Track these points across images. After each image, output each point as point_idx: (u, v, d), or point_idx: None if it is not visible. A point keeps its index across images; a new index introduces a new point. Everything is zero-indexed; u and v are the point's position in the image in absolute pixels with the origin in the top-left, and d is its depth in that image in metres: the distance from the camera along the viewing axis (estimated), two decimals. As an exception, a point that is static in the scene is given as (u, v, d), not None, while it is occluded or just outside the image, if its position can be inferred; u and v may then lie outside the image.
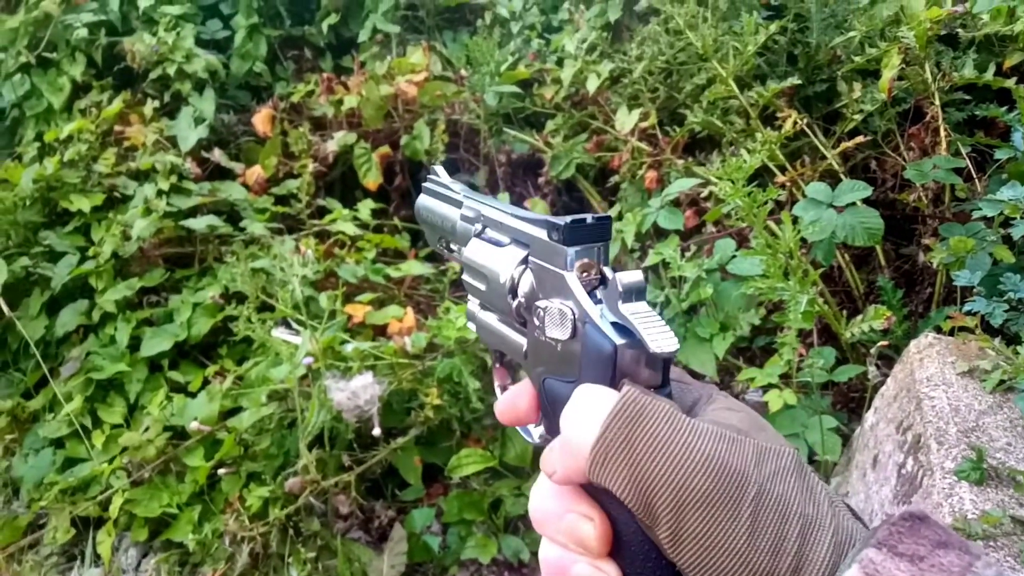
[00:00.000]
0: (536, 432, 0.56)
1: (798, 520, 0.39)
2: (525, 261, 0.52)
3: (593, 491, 0.45)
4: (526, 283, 0.52)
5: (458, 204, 0.61)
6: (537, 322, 0.50)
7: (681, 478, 0.39)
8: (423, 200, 0.67)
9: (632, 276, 0.46)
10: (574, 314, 0.47)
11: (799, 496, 0.40)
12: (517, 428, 0.57)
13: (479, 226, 0.58)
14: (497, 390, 0.59)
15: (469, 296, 0.60)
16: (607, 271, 0.48)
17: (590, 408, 0.43)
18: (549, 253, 0.49)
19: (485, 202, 0.58)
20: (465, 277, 0.58)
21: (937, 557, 0.36)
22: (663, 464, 0.39)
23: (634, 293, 0.45)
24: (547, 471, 0.47)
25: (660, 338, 0.43)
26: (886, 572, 0.36)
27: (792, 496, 0.40)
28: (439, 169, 0.67)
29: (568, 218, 0.48)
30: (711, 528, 0.39)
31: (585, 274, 0.48)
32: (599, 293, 0.47)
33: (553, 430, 0.50)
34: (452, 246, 0.62)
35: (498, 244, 0.55)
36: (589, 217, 0.48)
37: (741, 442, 0.41)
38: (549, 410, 0.50)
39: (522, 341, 0.53)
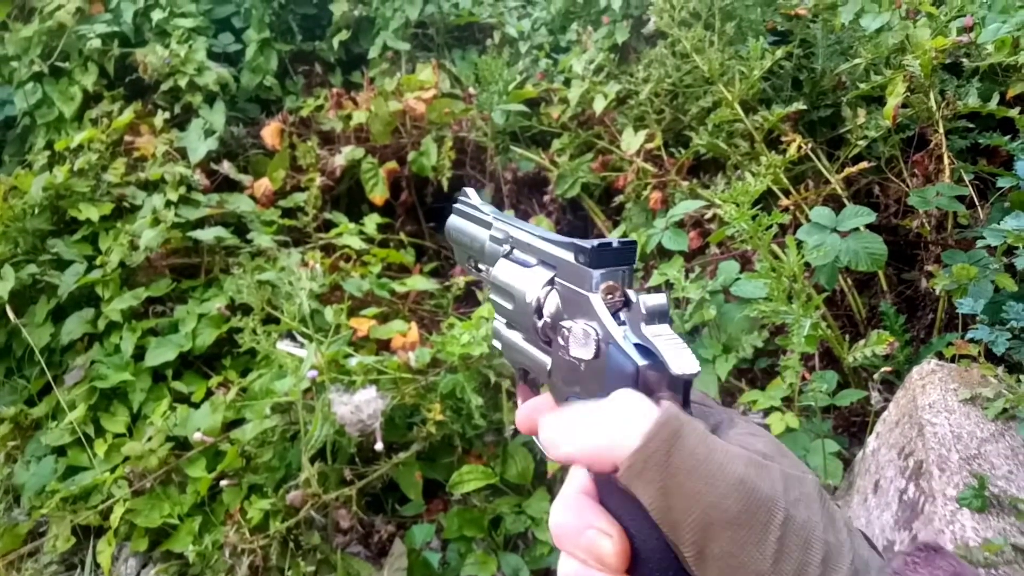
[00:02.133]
0: None
1: (821, 547, 0.40)
2: (551, 282, 0.53)
3: (611, 505, 0.46)
4: (552, 303, 0.53)
5: (487, 225, 0.63)
6: (562, 341, 0.51)
7: (712, 499, 0.40)
8: (453, 220, 0.68)
9: (656, 299, 0.47)
10: (598, 335, 0.48)
11: (822, 522, 0.41)
12: (541, 448, 0.58)
13: (507, 247, 0.59)
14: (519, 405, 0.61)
15: (495, 315, 0.61)
16: (631, 294, 0.49)
17: (631, 413, 0.44)
18: (575, 275, 0.51)
19: (514, 224, 0.60)
20: (492, 296, 0.60)
21: None
22: (696, 483, 0.40)
23: (657, 316, 0.47)
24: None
25: (681, 359, 0.44)
26: None
27: (816, 522, 0.41)
28: (470, 191, 0.68)
29: (595, 241, 0.49)
30: (738, 551, 0.39)
31: (610, 296, 0.49)
32: (623, 315, 0.49)
33: None
34: (480, 266, 0.64)
35: (525, 265, 0.56)
36: (615, 241, 0.50)
37: (769, 467, 0.41)
38: None
39: (546, 360, 0.54)
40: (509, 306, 0.57)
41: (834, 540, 0.41)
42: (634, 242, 0.51)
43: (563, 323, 0.51)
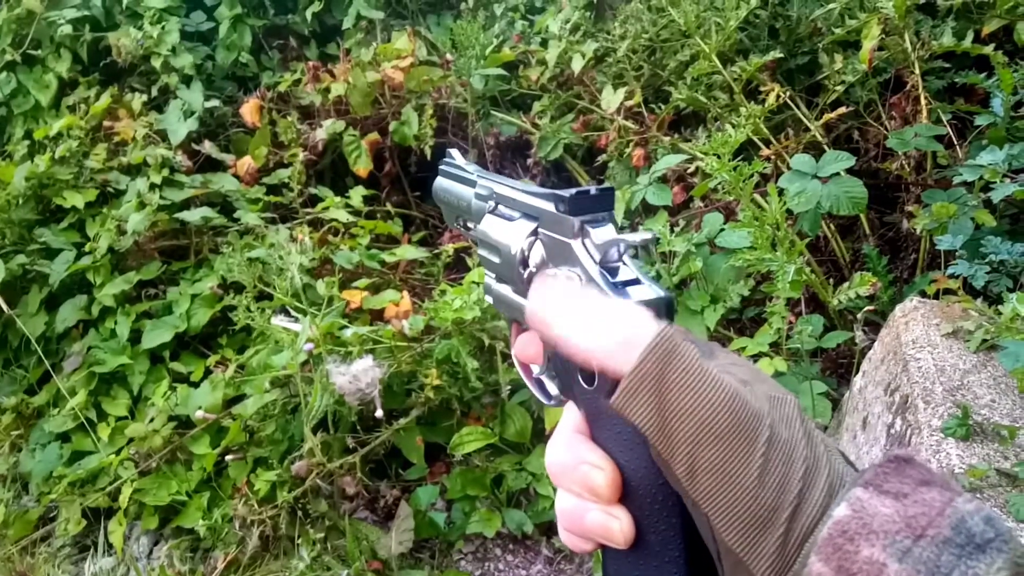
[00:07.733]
0: (552, 391, 0.58)
1: (803, 463, 0.42)
2: (535, 233, 0.55)
3: (602, 440, 0.49)
4: (537, 254, 0.55)
5: (472, 183, 0.64)
6: None
7: (705, 414, 0.41)
8: (440, 182, 0.70)
9: (604, 233, 0.50)
10: (581, 280, 0.50)
11: (803, 440, 0.43)
12: (533, 391, 0.60)
13: (492, 203, 0.61)
14: (515, 357, 0.63)
15: (485, 270, 0.63)
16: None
17: (629, 329, 0.44)
18: (557, 224, 0.52)
19: (497, 180, 0.61)
20: (481, 252, 0.61)
21: (920, 494, 0.39)
22: (690, 398, 0.41)
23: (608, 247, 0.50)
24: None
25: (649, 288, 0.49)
26: (872, 509, 0.38)
27: (798, 440, 0.43)
28: (454, 152, 0.70)
29: (573, 190, 0.51)
30: (726, 463, 0.41)
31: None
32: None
33: (567, 389, 0.53)
34: (468, 224, 0.65)
35: (509, 219, 0.58)
36: (593, 188, 0.51)
37: (754, 389, 0.43)
38: (562, 370, 0.53)
39: None
40: (496, 260, 0.59)
41: (812, 456, 0.43)
42: (612, 188, 0.53)
43: (547, 271, 0.53)
